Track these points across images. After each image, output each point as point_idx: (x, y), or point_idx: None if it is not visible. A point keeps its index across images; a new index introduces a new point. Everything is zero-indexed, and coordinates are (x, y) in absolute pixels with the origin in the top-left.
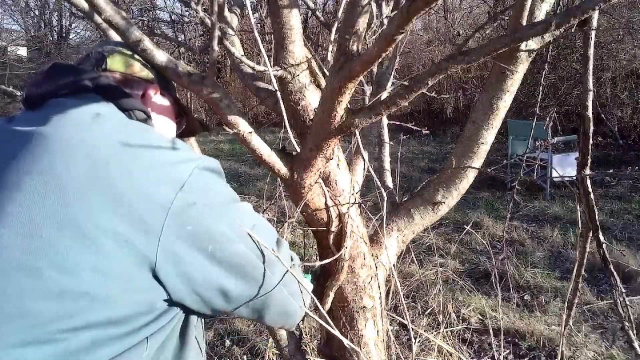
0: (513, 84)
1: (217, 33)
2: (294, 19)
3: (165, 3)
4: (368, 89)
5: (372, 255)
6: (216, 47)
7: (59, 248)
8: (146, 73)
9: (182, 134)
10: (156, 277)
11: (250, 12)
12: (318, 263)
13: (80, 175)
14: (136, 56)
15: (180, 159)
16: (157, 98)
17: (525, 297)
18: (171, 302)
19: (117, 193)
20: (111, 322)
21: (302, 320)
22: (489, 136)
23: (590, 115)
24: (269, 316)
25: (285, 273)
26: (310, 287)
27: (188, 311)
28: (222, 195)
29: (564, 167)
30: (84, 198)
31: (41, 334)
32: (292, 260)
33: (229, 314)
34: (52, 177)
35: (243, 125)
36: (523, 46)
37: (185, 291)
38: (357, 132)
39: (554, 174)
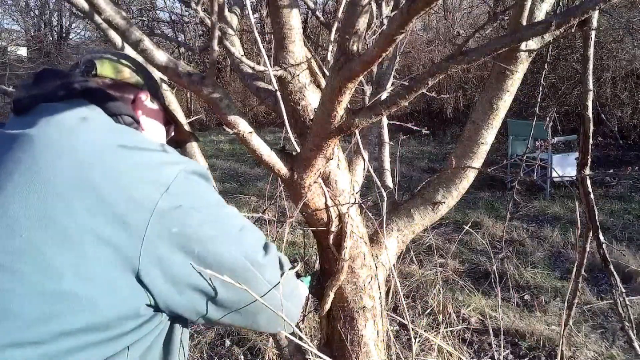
0: (513, 84)
1: (217, 33)
2: (294, 19)
3: (165, 3)
4: (368, 89)
5: (372, 255)
6: (216, 47)
7: (40, 248)
8: (136, 79)
9: (169, 143)
10: (140, 280)
11: (250, 12)
12: (318, 264)
13: (63, 176)
14: (124, 62)
15: (166, 161)
16: (148, 104)
17: (525, 297)
18: (156, 308)
19: (100, 195)
20: (93, 327)
21: (302, 320)
22: (489, 136)
23: (590, 115)
24: (263, 322)
25: (282, 275)
26: (305, 290)
27: (173, 319)
28: (208, 199)
29: (564, 167)
30: (67, 199)
31: (23, 336)
32: (281, 263)
33: (222, 324)
34: (36, 178)
35: (243, 125)
36: (523, 46)
37: (172, 294)
38: (357, 132)
39: (554, 174)
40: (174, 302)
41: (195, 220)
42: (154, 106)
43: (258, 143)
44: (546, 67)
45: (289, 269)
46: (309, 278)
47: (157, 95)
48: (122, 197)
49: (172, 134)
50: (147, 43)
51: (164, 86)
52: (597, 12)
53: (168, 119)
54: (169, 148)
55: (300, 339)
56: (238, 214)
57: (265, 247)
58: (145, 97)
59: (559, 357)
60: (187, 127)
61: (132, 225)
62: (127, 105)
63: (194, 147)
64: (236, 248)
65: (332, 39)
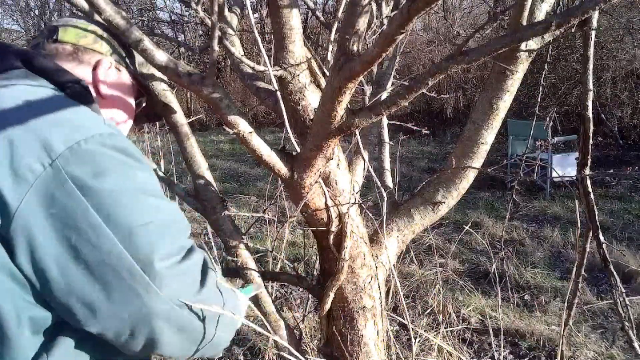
0: (513, 84)
1: (217, 33)
2: (294, 19)
3: (165, 3)
4: (368, 89)
5: (372, 255)
6: (216, 47)
7: None
8: (100, 45)
9: (145, 115)
10: (13, 260)
11: (250, 12)
12: (315, 269)
13: None
14: (91, 28)
15: (68, 129)
16: (112, 72)
17: (525, 297)
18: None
19: None
20: None
21: (302, 320)
22: (489, 136)
23: (590, 115)
24: (169, 345)
25: (200, 291)
26: (246, 301)
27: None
28: (114, 180)
29: (564, 167)
30: None
31: None
32: (205, 277)
33: (121, 348)
34: None
35: (243, 125)
36: (523, 46)
37: (41, 286)
38: (357, 132)
39: (554, 174)
40: (48, 296)
41: (81, 203)
42: (121, 75)
43: (258, 143)
44: (546, 67)
45: (215, 281)
46: (250, 288)
47: (126, 64)
48: (5, 167)
49: (144, 105)
50: (147, 43)
51: (164, 86)
52: (597, 12)
53: (140, 91)
54: (103, 120)
55: (301, 336)
56: (163, 208)
57: (187, 254)
58: (108, 64)
59: (559, 357)
60: (186, 128)
61: (8, 198)
62: (83, 72)
63: (193, 146)
64: (125, 245)
65: (332, 39)
